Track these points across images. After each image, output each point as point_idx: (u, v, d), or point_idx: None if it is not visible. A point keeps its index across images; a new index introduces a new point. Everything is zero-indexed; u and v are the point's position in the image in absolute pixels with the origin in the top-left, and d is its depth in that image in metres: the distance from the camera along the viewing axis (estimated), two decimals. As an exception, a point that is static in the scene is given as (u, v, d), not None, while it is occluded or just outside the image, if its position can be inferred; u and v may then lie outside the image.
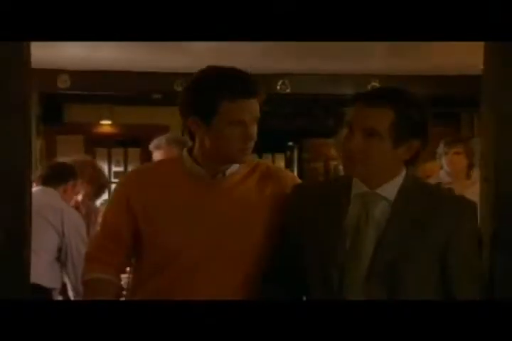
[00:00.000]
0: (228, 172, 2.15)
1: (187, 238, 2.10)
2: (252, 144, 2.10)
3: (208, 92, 2.05)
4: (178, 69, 5.97)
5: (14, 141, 2.36)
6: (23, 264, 2.43)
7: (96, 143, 8.76)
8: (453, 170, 4.77)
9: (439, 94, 6.30)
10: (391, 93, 1.96)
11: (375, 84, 6.00)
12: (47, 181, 3.84)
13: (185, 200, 2.14)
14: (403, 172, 2.00)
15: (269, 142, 10.60)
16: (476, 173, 4.63)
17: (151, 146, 3.97)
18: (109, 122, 8.41)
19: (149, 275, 2.17)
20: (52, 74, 6.56)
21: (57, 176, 3.92)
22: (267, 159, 11.51)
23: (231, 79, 2.07)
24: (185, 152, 2.20)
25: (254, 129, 2.09)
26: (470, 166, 4.76)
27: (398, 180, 1.98)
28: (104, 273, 2.20)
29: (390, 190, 1.96)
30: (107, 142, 8.86)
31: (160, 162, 2.66)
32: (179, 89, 6.14)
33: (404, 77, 6.15)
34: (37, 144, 7.26)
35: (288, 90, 6.26)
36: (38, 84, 6.23)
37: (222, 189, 2.15)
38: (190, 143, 2.22)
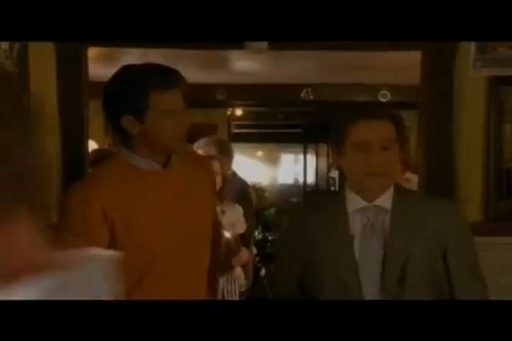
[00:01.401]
0: (173, 160, 1.89)
1: (166, 232, 1.81)
2: (186, 131, 1.84)
3: (136, 86, 1.76)
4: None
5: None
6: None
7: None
8: None
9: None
10: (380, 108, 1.78)
11: (385, 92, 5.83)
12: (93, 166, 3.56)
13: (154, 194, 1.84)
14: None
15: (313, 134, 10.53)
16: (408, 174, 4.42)
17: (194, 146, 3.70)
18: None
19: (136, 282, 1.77)
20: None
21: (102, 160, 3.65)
22: (311, 149, 11.31)
23: (154, 70, 1.79)
24: (123, 150, 1.88)
25: (185, 117, 1.84)
26: (406, 167, 4.45)
27: (391, 189, 1.80)
28: None
29: (386, 200, 1.78)
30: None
31: (103, 168, 2.00)
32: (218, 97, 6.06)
33: (411, 86, 5.94)
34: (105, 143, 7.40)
35: (311, 97, 6.03)
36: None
37: (177, 177, 1.88)
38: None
